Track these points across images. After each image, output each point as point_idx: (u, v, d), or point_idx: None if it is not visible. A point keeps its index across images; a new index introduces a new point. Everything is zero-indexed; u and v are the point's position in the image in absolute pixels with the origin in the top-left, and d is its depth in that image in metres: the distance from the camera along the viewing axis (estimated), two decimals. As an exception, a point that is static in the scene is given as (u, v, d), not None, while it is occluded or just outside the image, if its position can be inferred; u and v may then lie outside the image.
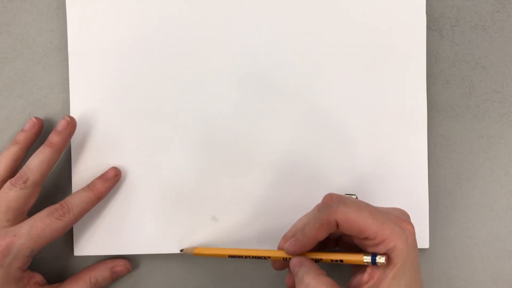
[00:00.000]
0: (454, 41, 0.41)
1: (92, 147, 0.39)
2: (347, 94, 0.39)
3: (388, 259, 0.30)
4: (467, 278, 0.41)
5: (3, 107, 0.40)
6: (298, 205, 0.39)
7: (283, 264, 0.36)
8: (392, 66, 0.39)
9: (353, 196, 0.34)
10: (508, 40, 0.40)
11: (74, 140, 0.39)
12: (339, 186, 0.39)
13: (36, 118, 0.39)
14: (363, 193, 0.39)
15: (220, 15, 0.39)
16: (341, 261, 0.33)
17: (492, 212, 0.41)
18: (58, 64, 0.40)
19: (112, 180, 0.38)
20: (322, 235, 0.32)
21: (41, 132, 0.39)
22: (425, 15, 0.39)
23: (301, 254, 0.34)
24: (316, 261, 0.34)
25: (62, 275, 0.40)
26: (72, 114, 0.39)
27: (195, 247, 0.39)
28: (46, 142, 0.37)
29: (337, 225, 0.31)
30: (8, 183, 0.36)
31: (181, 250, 0.39)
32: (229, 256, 0.37)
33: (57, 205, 0.36)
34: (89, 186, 0.38)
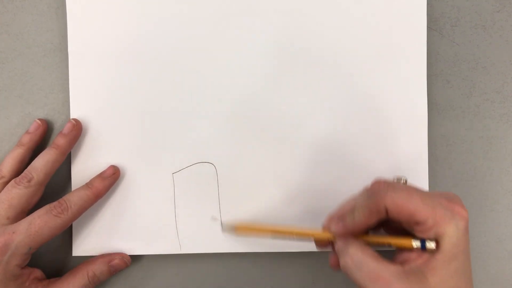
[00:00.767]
0: (455, 41, 0.40)
1: (91, 146, 0.39)
2: (346, 93, 0.39)
3: (438, 244, 0.30)
4: (467, 278, 0.41)
5: (3, 107, 0.40)
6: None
7: (327, 243, 0.35)
8: (393, 66, 0.39)
9: (402, 179, 0.34)
10: (508, 40, 0.40)
11: (74, 139, 0.39)
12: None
13: (40, 120, 0.39)
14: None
15: (219, 14, 0.39)
16: (389, 245, 0.32)
17: (492, 212, 0.41)
18: (58, 64, 0.40)
19: (110, 178, 0.38)
20: (371, 222, 0.32)
21: (45, 134, 0.39)
22: (426, 15, 0.39)
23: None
24: None
25: (61, 271, 0.40)
26: (71, 112, 0.39)
27: (237, 223, 0.38)
28: (52, 144, 0.38)
29: (387, 212, 0.31)
30: (12, 182, 0.36)
31: (222, 230, 0.39)
32: (272, 234, 0.36)
33: (55, 203, 0.36)
34: (88, 184, 0.38)
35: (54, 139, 0.38)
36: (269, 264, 0.41)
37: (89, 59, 0.39)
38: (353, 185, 0.39)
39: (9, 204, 0.35)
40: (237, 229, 0.38)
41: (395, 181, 0.33)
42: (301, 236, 0.35)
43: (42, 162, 0.37)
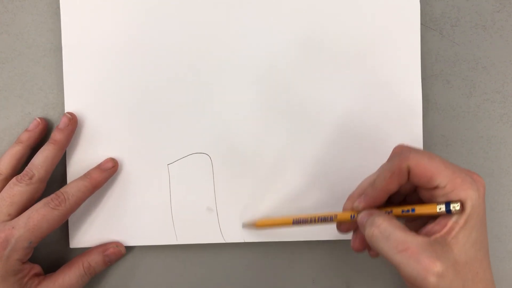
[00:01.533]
0: (455, 41, 0.40)
1: (86, 140, 0.39)
2: (343, 92, 0.39)
3: (462, 207, 0.30)
4: (467, 278, 0.41)
5: (3, 107, 0.40)
6: (356, 172, 0.39)
7: (349, 225, 0.35)
8: (387, 64, 0.39)
9: None
10: (508, 40, 0.40)
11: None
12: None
13: (40, 118, 0.39)
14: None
15: (215, 12, 0.39)
16: (413, 210, 0.32)
17: (492, 212, 0.41)
18: (58, 64, 0.40)
19: (109, 171, 0.38)
20: (393, 186, 0.32)
21: (45, 132, 0.39)
22: (419, 12, 0.39)
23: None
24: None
25: (59, 265, 0.40)
26: (66, 107, 0.39)
27: (257, 220, 0.38)
28: (49, 139, 0.38)
29: (408, 175, 0.31)
30: (14, 179, 0.36)
31: (243, 226, 0.39)
32: (293, 222, 0.36)
33: (52, 195, 0.36)
34: (86, 175, 0.38)
35: (51, 134, 0.38)
36: (268, 256, 0.41)
37: (83, 53, 0.39)
38: (346, 183, 0.39)
39: (11, 201, 0.36)
40: (258, 224, 0.38)
41: None
42: (322, 219, 0.35)
43: (42, 159, 0.37)
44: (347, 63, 0.39)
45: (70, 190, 0.36)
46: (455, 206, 0.30)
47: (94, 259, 0.38)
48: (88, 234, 0.39)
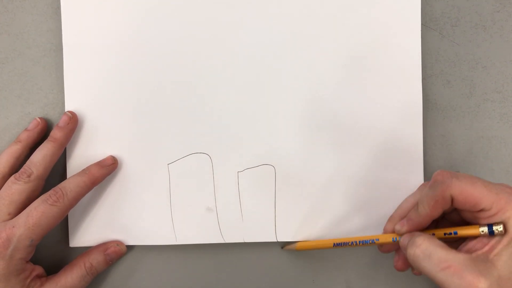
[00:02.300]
0: (455, 41, 0.40)
1: (86, 139, 0.39)
2: (341, 93, 0.39)
3: (504, 228, 0.30)
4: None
5: (3, 107, 0.40)
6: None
7: (390, 247, 0.36)
8: (388, 65, 0.39)
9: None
10: (508, 40, 0.40)
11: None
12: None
13: (40, 118, 0.39)
14: (359, 189, 0.39)
15: (215, 11, 0.39)
16: (455, 233, 0.33)
17: (492, 212, 0.41)
18: (58, 64, 0.40)
19: (108, 167, 0.38)
20: (437, 213, 0.32)
21: (44, 132, 0.39)
22: (420, 12, 0.39)
23: None
24: None
25: (60, 265, 0.40)
26: (66, 105, 0.39)
27: (297, 242, 0.38)
28: (48, 137, 0.38)
29: (452, 201, 0.31)
30: (12, 178, 0.36)
31: (282, 247, 0.40)
32: (334, 245, 0.36)
33: (50, 191, 0.36)
34: (85, 170, 0.38)
35: (50, 132, 0.38)
36: (268, 256, 0.41)
37: (84, 52, 0.39)
38: (341, 183, 0.39)
39: (10, 200, 0.36)
40: (298, 247, 0.38)
41: None
42: (364, 241, 0.36)
43: (40, 156, 0.37)
44: (346, 62, 0.39)
45: (69, 185, 0.36)
46: (498, 228, 0.30)
47: (96, 259, 0.38)
48: (88, 233, 0.39)
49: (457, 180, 0.31)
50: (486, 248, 0.31)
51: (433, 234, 0.33)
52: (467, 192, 0.31)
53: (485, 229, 0.31)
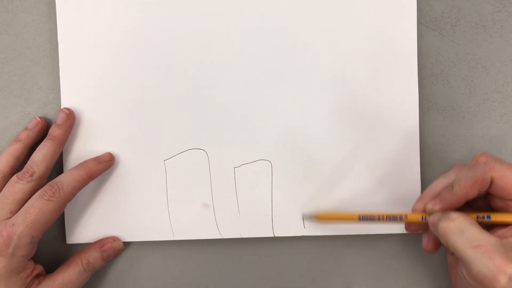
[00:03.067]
0: (455, 41, 0.40)
1: (83, 136, 0.39)
2: (338, 87, 0.39)
3: None
4: (467, 278, 0.41)
5: (2, 106, 0.40)
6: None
7: (418, 226, 0.36)
8: (384, 64, 0.39)
9: None
10: (508, 40, 0.40)
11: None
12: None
13: (40, 117, 0.39)
14: (359, 189, 0.39)
15: (212, 9, 0.39)
16: (488, 218, 0.33)
17: (492, 212, 0.41)
18: (58, 64, 0.40)
19: (105, 163, 0.38)
20: (473, 194, 0.32)
21: (44, 132, 0.39)
22: (416, 11, 0.39)
23: None
24: None
25: (58, 263, 0.40)
26: (62, 102, 0.39)
27: (319, 212, 0.37)
28: (47, 136, 0.38)
29: (490, 184, 0.31)
30: (14, 177, 0.36)
31: (303, 217, 0.38)
32: (359, 218, 0.35)
33: (46, 186, 0.36)
34: (82, 164, 0.38)
35: (49, 131, 0.38)
36: (266, 252, 0.41)
37: (79, 49, 0.39)
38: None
39: (12, 199, 0.36)
40: (320, 217, 0.37)
41: None
42: (392, 218, 0.35)
43: (41, 155, 0.37)
44: (344, 62, 0.39)
45: (65, 179, 0.36)
46: None
47: (92, 255, 0.38)
48: (84, 230, 0.39)
49: (500, 164, 0.32)
50: None
51: None
52: (509, 177, 0.31)
53: None
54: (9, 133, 0.40)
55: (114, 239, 0.39)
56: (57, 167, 0.40)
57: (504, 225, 0.32)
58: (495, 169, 0.31)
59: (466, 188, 0.32)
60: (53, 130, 0.38)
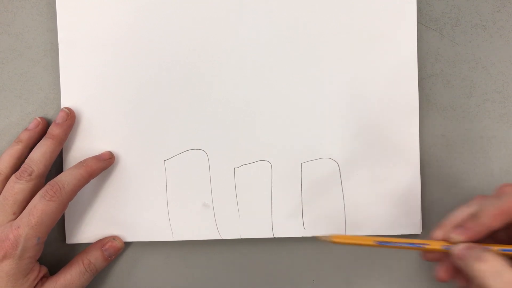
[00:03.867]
0: (455, 41, 0.40)
1: (83, 135, 0.39)
2: (338, 87, 0.39)
3: None
4: (467, 278, 0.41)
5: (3, 106, 0.40)
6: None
7: (436, 255, 0.35)
8: (384, 64, 0.39)
9: None
10: (508, 40, 0.40)
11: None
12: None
13: (40, 117, 0.39)
14: (358, 188, 0.39)
15: (212, 8, 0.39)
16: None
17: (492, 212, 0.41)
18: (58, 64, 0.40)
19: (105, 161, 0.38)
20: (497, 224, 0.31)
21: (45, 132, 0.39)
22: (416, 11, 0.39)
23: None
24: None
25: (59, 265, 0.40)
26: (62, 102, 0.39)
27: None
28: (47, 134, 0.38)
29: None
30: (13, 177, 0.36)
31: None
32: (376, 243, 0.33)
33: (47, 186, 0.35)
34: (82, 163, 0.37)
35: (48, 129, 0.38)
36: (266, 253, 0.41)
37: (79, 48, 0.39)
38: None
39: (14, 200, 0.36)
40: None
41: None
42: (411, 245, 0.33)
43: (40, 154, 0.37)
44: (344, 61, 0.39)
45: (65, 178, 0.36)
46: None
47: (93, 255, 0.38)
48: (84, 230, 0.39)
49: None
50: None
51: (489, 248, 0.32)
52: None
53: None
54: (9, 133, 0.40)
55: (114, 237, 0.39)
56: (56, 166, 0.40)
57: None
58: None
59: (490, 218, 0.31)
60: (52, 129, 0.38)
